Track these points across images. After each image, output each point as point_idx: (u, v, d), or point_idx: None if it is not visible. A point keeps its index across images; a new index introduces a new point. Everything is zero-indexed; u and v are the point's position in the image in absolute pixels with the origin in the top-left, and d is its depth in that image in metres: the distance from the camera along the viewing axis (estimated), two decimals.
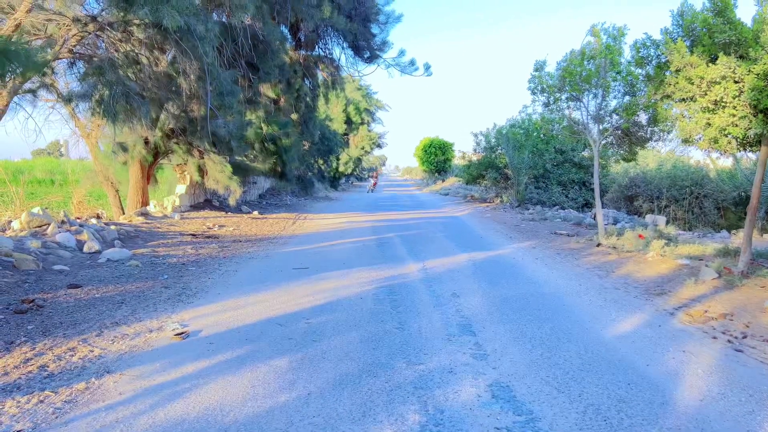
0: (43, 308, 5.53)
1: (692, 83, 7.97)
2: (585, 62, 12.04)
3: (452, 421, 3.28)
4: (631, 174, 20.14)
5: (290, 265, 8.35)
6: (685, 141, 8.62)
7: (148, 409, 3.40)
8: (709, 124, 7.97)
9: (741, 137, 7.77)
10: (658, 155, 25.55)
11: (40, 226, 9.17)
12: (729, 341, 4.85)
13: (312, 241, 11.35)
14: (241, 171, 15.75)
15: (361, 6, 11.95)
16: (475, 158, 26.09)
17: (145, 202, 15.03)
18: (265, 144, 16.50)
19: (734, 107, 7.55)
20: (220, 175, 14.35)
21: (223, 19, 10.03)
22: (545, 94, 13.11)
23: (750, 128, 7.49)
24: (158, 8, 7.99)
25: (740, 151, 8.53)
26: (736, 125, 7.63)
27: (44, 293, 6.07)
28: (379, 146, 53.75)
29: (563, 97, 12.95)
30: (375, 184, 41.87)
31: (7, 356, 4.23)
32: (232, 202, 16.00)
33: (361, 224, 14.91)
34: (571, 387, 3.80)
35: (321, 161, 29.18)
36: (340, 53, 14.57)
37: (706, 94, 7.83)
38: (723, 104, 7.67)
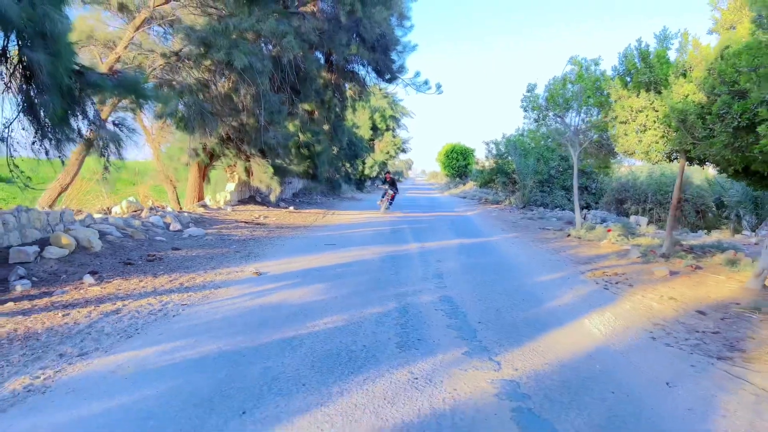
0: (162, 260, 8.47)
1: (625, 110, 10.58)
2: (568, 84, 14.63)
3: (414, 307, 6.05)
4: (622, 180, 22.50)
5: (322, 243, 11.19)
6: (626, 153, 11.21)
7: (248, 300, 6.25)
8: (641, 141, 10.56)
9: (663, 151, 10.33)
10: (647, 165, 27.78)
11: (135, 211, 12.23)
12: (605, 287, 7.51)
13: (339, 229, 14.19)
14: (280, 172, 18.70)
15: (382, 39, 14.74)
16: (487, 164, 28.72)
17: (200, 197, 18.07)
18: (300, 149, 19.46)
19: (655, 129, 10.14)
20: (263, 175, 17.33)
21: (272, 53, 12.96)
22: (535, 112, 15.73)
23: (666, 145, 10.06)
24: (230, 51, 10.94)
25: (667, 161, 11.07)
26: (658, 143, 10.20)
27: (158, 252, 9.02)
28: (404, 151, 56.51)
29: (550, 114, 15.55)
30: (392, 196, 20.25)
31: (157, 279, 7.14)
32: (272, 198, 18.98)
33: (380, 219, 17.69)
34: (488, 301, 6.52)
35: (348, 165, 32.09)
36: (365, 74, 17.43)
37: (635, 119, 10.44)
38: (646, 128, 10.26)
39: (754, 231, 19.11)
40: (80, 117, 6.87)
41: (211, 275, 7.58)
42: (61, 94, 6.43)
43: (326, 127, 19.13)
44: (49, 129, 6.58)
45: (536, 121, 16.08)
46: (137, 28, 12.20)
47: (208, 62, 12.54)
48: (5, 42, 6.40)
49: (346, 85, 18.18)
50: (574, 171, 14.92)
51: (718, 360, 4.59)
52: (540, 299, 6.66)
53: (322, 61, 15.30)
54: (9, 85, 6.69)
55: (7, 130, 6.81)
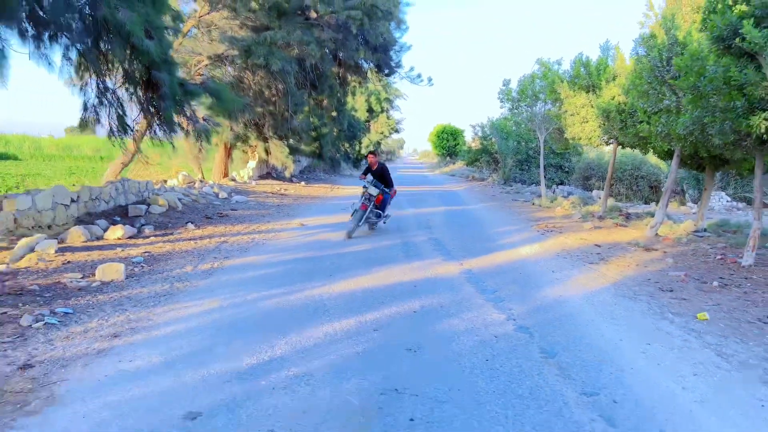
0: (229, 216, 11.71)
1: (572, 106, 13.85)
2: (536, 80, 17.82)
3: (412, 242, 9.36)
4: (587, 160, 25.85)
5: (339, 208, 14.45)
6: (573, 139, 14.51)
7: (304, 237, 9.53)
8: (584, 130, 13.83)
9: (600, 137, 13.62)
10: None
11: (189, 183, 15.41)
12: (542, 233, 10.85)
13: (348, 199, 17.39)
14: (293, 152, 21.85)
15: (384, 42, 17.81)
16: (474, 145, 32.03)
17: (226, 174, 21.21)
18: (310, 132, 22.61)
19: (593, 122, 13.40)
20: (280, 154, 20.49)
21: (297, 57, 16.07)
22: (509, 103, 18.96)
23: (601, 135, 13.35)
24: (268, 57, 14.05)
25: (605, 145, 14.38)
26: (596, 131, 13.48)
27: (223, 211, 12.25)
28: (397, 131, 59.58)
29: (522, 105, 18.78)
30: (379, 199, 10.26)
31: (235, 227, 10.38)
32: (287, 174, 22.17)
33: None
34: (460, 239, 9.84)
35: (347, 145, 35.28)
36: (368, 69, 20.53)
37: (579, 113, 13.71)
38: (587, 120, 13.54)
39: (695, 203, 22.57)
40: (182, 115, 10.03)
41: (270, 225, 10.85)
42: (174, 100, 9.60)
43: (332, 113, 22.25)
44: (165, 123, 9.74)
45: (510, 110, 19.34)
46: (184, 35, 15.25)
47: (243, 63, 15.62)
48: (132, 66, 9.52)
49: (350, 77, 21.29)
50: (541, 151, 18.26)
51: (589, 264, 7.95)
52: (495, 239, 10.01)
53: (333, 59, 18.35)
54: (133, 94, 9.85)
55: (133, 123, 9.98)
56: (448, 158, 56.76)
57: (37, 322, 4.46)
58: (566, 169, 29.45)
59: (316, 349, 4.20)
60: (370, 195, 9.83)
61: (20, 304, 4.91)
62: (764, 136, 5.71)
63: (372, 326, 4.80)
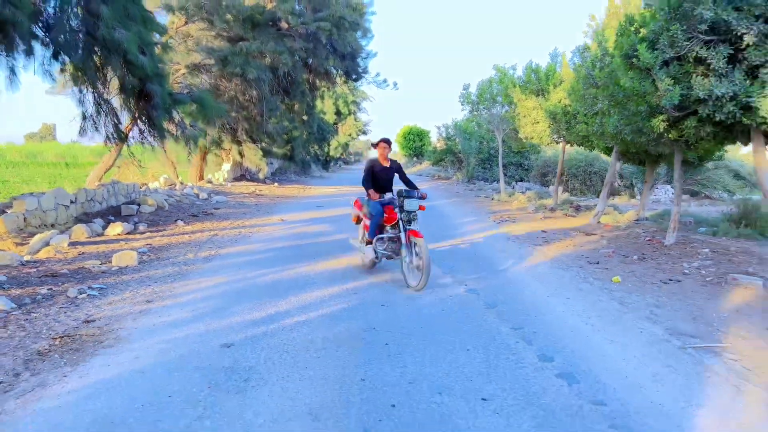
0: (213, 214, 12.71)
1: (524, 108, 15.27)
2: (494, 85, 19.25)
3: None
4: (544, 158, 27.52)
5: (314, 205, 15.57)
6: (526, 138, 15.94)
7: (285, 230, 10.63)
8: (535, 130, 15.27)
9: (550, 137, 15.07)
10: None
11: (170, 185, 16.29)
12: (497, 223, 12.19)
13: (321, 198, 18.56)
14: (267, 154, 22.83)
15: (351, 50, 18.99)
16: (439, 145, 33.47)
17: (201, 176, 22.05)
18: (282, 135, 23.62)
19: (543, 123, 14.84)
20: (253, 157, 21.45)
21: (270, 66, 17.12)
22: (470, 105, 20.36)
23: (551, 134, 14.80)
24: (244, 67, 15.07)
25: (555, 144, 15.85)
26: (546, 131, 14.93)
27: (205, 211, 13.23)
28: (365, 133, 60.91)
29: (482, 108, 20.20)
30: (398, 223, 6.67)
31: (221, 223, 11.41)
32: (261, 176, 23.14)
33: (349, 192, 22.10)
34: (426, 228, 11.07)
35: (317, 147, 36.29)
36: (336, 75, 21.69)
37: (530, 115, 15.14)
38: (537, 121, 14.97)
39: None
40: (171, 122, 11.02)
41: (253, 221, 11.91)
42: (165, 109, 10.60)
43: (303, 116, 23.31)
44: (156, 130, 10.72)
45: (471, 112, 20.76)
46: (163, 46, 16.13)
47: (220, 71, 16.58)
48: (127, 79, 10.47)
49: (320, 82, 22.41)
50: (500, 150, 19.70)
51: (534, 245, 9.29)
52: (456, 228, 11.30)
53: (304, 66, 19.44)
54: (127, 104, 10.81)
55: (126, 130, 10.94)
56: (415, 158, 58.20)
57: (80, 294, 5.49)
58: (526, 167, 31.10)
59: (310, 306, 5.36)
60: (410, 212, 6.55)
61: (60, 283, 5.93)
62: (665, 134, 7.10)
63: (353, 291, 5.99)
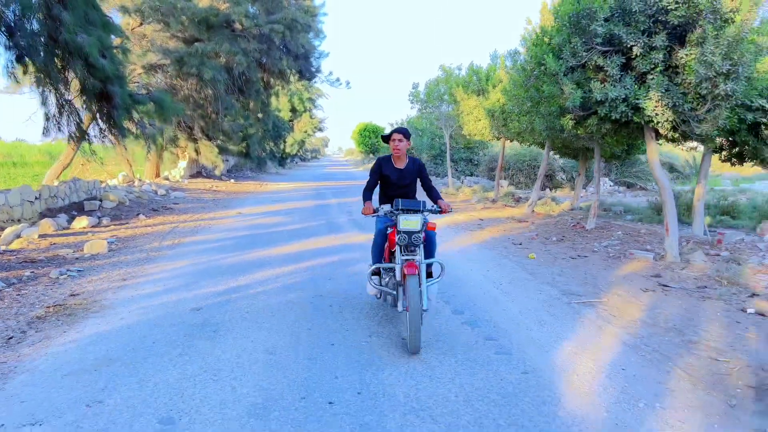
0: (173, 209, 13.34)
1: (467, 107, 16.41)
2: (440, 84, 20.36)
3: (335, 222, 11.46)
4: (492, 153, 28.94)
5: (270, 200, 16.31)
6: (470, 135, 17.10)
7: (243, 222, 11.41)
8: (477, 127, 16.43)
9: (491, 133, 16.25)
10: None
11: (128, 182, 16.74)
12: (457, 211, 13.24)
13: (277, 193, 19.29)
14: (222, 151, 23.36)
15: (304, 51, 19.76)
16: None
17: (158, 174, 22.40)
18: (238, 133, 24.16)
19: (484, 120, 16.01)
20: (210, 154, 21.97)
21: (226, 66, 17.72)
22: (419, 104, 21.44)
23: (491, 131, 15.98)
24: (200, 68, 15.67)
25: (496, 140, 17.07)
26: (487, 128, 16.10)
27: (167, 205, 13.84)
28: (321, 130, 61.62)
29: (430, 106, 21.30)
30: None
31: (181, 216, 12.08)
32: (217, 172, 23.64)
33: (306, 187, 22.91)
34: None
35: (273, 144, 36.76)
36: (290, 74, 22.39)
37: (472, 113, 16.30)
38: (479, 119, 16.14)
39: (584, 188, 26.10)
40: (131, 122, 11.61)
41: (211, 214, 12.61)
42: (125, 109, 11.19)
43: (258, 114, 23.91)
44: (117, 129, 11.30)
45: (420, 110, 21.84)
46: (118, 47, 16.55)
47: (176, 72, 17.10)
48: (89, 81, 11.02)
49: (275, 81, 23.07)
50: (447, 146, 20.86)
51: (469, 231, 10.37)
52: None
53: (258, 66, 20.07)
54: (87, 104, 11.34)
55: (89, 129, 11.48)
56: (371, 155, 59.21)
57: (61, 275, 6.21)
58: (475, 162, 32.53)
59: (267, 281, 6.24)
60: (410, 234, 4.46)
61: (39, 267, 6.61)
62: (573, 130, 8.26)
63: (304, 268, 6.90)
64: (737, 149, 9.20)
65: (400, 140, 4.98)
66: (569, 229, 10.76)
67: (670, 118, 7.15)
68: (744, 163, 9.50)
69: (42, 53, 9.77)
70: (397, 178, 5.23)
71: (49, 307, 4.96)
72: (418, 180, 5.37)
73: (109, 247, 8.07)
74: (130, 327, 4.51)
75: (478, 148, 31.50)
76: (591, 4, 7.05)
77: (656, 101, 7.03)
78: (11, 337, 4.21)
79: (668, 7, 6.84)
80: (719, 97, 6.77)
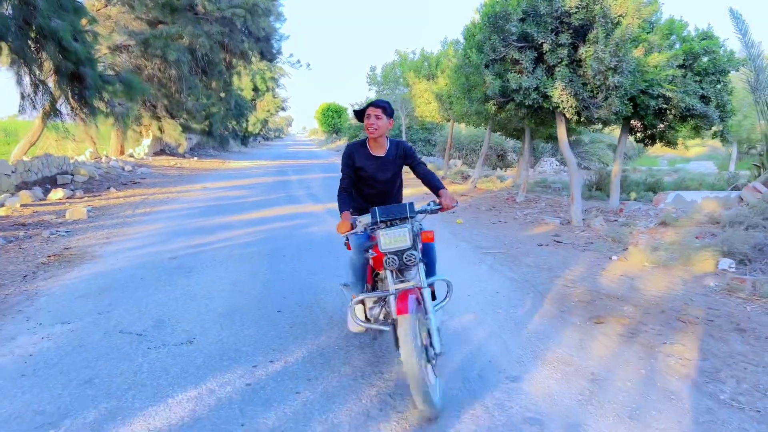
0: (141, 184, 14.24)
1: (418, 90, 17.65)
2: (396, 68, 21.51)
3: (294, 195, 12.62)
4: (447, 134, 30.35)
5: (234, 176, 17.29)
6: (421, 117, 18.37)
7: (209, 194, 12.45)
8: (428, 109, 17.69)
9: (440, 116, 17.53)
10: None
11: (96, 159, 17.45)
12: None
13: (241, 170, 20.24)
14: (186, 130, 24.05)
15: (265, 33, 20.59)
16: (354, 122, 35.63)
17: (122, 151, 22.99)
18: (201, 112, 24.86)
19: (434, 103, 17.27)
20: (173, 132, 22.67)
21: (190, 47, 18.47)
22: (376, 86, 22.56)
23: (440, 113, 17.26)
24: (164, 49, 16.44)
25: (447, 121, 18.39)
26: (436, 110, 17.37)
27: (133, 181, 14.71)
28: (284, 109, 61.96)
29: (386, 89, 22.45)
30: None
31: (149, 190, 13.02)
32: (181, 150, 24.35)
33: (268, 165, 23.85)
34: (331, 195, 13.23)
35: (235, 122, 37.33)
36: (252, 55, 23.19)
37: (423, 96, 17.55)
38: (429, 102, 17.40)
39: (533, 167, 27.79)
40: (102, 101, 12.45)
41: (178, 188, 13.58)
42: (96, 89, 12.04)
43: (221, 94, 24.65)
44: (87, 108, 12.14)
45: (377, 93, 22.98)
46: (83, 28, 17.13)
47: (140, 53, 17.76)
48: (62, 64, 11.80)
49: (236, 62, 23.83)
50: (403, 128, 22.12)
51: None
52: None
53: (221, 47, 20.83)
54: (59, 84, 12.13)
55: (60, 107, 12.29)
56: (334, 135, 60.00)
57: (52, 235, 7.25)
58: (433, 143, 33.95)
59: (232, 239, 7.42)
60: (399, 255, 3.14)
61: (30, 229, 7.62)
62: (497, 115, 9.62)
63: (264, 231, 8.10)
64: (649, 132, 10.65)
65: (377, 117, 3.54)
66: (502, 201, 12.19)
67: (574, 105, 8.55)
68: (654, 144, 10.93)
69: (16, 37, 10.54)
70: (374, 170, 3.77)
71: (50, 256, 6.05)
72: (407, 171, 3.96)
73: (88, 215, 9.07)
74: (121, 269, 5.66)
75: (436, 130, 32.93)
76: (506, 7, 8.35)
77: (561, 90, 8.41)
78: (26, 275, 5.31)
79: (570, 11, 8.20)
80: (610, 88, 8.20)
